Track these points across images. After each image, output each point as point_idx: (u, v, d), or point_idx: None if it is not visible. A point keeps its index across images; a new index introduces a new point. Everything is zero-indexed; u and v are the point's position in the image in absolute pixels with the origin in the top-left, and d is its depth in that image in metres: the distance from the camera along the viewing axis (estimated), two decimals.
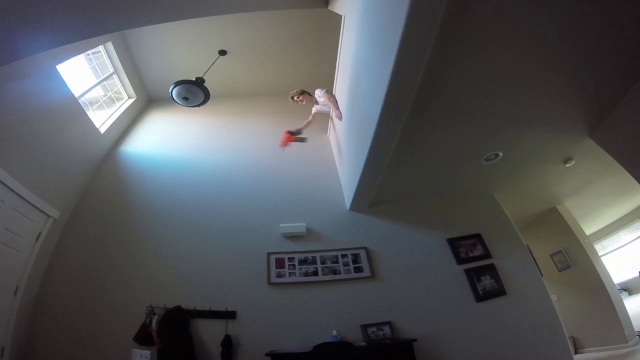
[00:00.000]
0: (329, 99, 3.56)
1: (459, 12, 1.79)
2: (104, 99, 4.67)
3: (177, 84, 3.55)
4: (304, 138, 3.71)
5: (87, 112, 3.95)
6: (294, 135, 3.65)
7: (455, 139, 2.94)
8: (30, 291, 2.95)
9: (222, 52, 4.73)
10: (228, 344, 2.74)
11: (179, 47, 4.74)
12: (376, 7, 2.13)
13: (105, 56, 4.46)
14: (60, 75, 3.46)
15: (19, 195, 2.89)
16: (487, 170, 3.50)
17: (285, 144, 3.61)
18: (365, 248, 3.35)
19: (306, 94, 3.82)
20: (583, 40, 2.09)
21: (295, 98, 3.81)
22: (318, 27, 4.45)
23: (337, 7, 3.35)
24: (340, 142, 3.95)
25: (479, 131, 2.88)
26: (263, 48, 4.82)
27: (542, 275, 3.56)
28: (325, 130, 4.74)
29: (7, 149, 2.82)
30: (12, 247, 2.83)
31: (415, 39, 1.75)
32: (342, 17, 3.22)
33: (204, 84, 3.71)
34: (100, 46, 4.27)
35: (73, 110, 3.70)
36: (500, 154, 3.24)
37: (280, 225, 3.46)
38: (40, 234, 3.14)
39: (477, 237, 3.51)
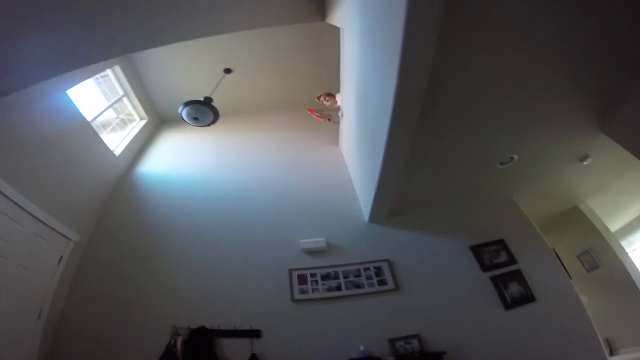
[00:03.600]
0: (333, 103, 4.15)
1: (457, 15, 1.79)
2: (117, 121, 4.77)
3: (186, 104, 3.60)
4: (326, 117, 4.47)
5: (101, 135, 4.02)
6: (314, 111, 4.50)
7: (468, 144, 2.92)
8: (54, 314, 2.98)
9: (227, 71, 4.79)
10: None
11: (185, 66, 4.83)
12: (373, 18, 2.15)
13: (114, 79, 4.55)
14: (71, 100, 3.54)
15: (38, 219, 2.93)
16: (504, 173, 3.45)
17: (311, 111, 4.51)
18: (387, 260, 3.31)
19: (332, 95, 4.26)
20: (585, 34, 2.08)
21: (322, 99, 4.31)
22: (319, 38, 4.48)
23: (334, 20, 3.37)
24: (353, 153, 3.94)
25: (490, 135, 2.86)
26: (266, 63, 4.89)
27: (570, 278, 3.47)
28: (336, 142, 4.75)
29: (24, 175, 2.87)
30: (34, 271, 2.85)
31: (415, 45, 1.75)
32: (341, 29, 3.24)
33: (212, 103, 3.75)
34: (108, 70, 4.37)
35: (86, 134, 3.78)
36: (515, 157, 3.21)
37: (300, 241, 3.44)
38: (61, 257, 3.17)
39: (500, 242, 3.43)
